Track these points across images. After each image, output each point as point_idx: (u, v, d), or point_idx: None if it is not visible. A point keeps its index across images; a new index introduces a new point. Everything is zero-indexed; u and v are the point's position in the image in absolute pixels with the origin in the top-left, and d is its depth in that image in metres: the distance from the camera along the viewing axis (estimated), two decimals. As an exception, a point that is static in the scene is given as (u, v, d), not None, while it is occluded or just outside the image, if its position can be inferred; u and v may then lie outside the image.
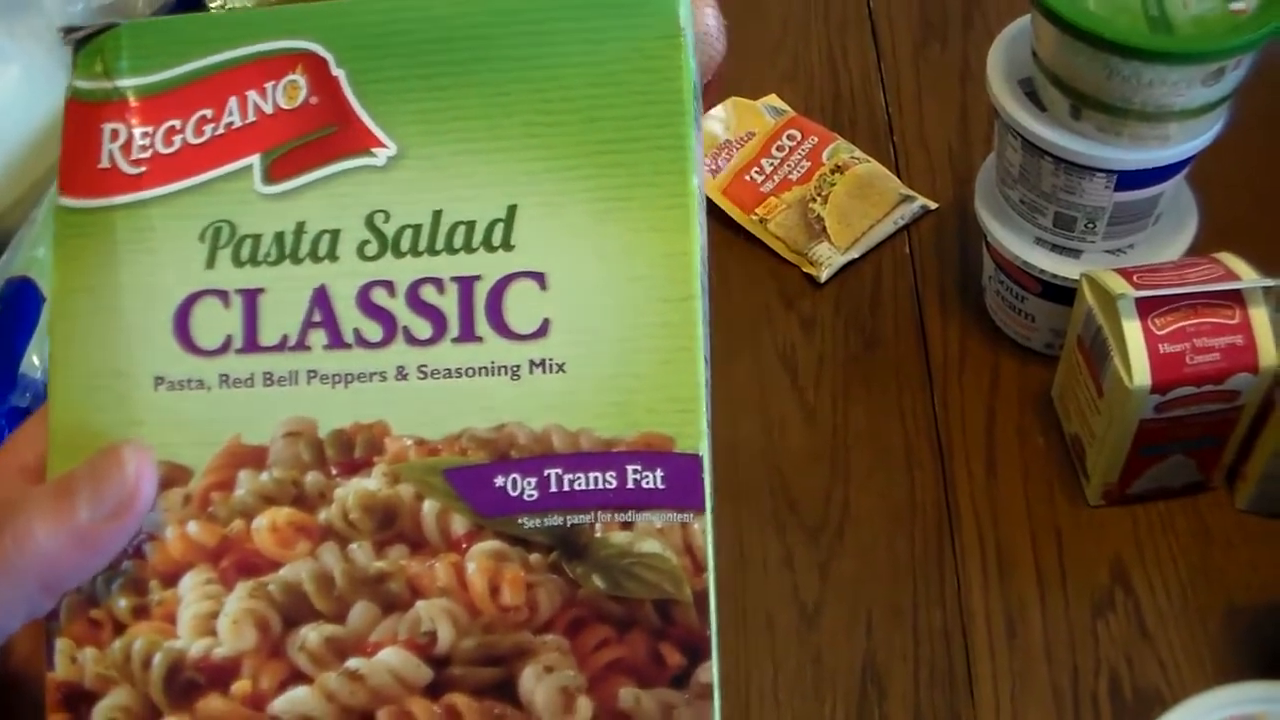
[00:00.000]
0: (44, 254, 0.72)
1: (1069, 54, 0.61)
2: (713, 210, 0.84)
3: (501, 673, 0.35)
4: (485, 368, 0.37)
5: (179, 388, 0.38)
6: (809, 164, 0.86)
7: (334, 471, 0.37)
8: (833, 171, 0.85)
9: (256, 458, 0.37)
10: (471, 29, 0.39)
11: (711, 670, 0.35)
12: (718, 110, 0.88)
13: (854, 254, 0.81)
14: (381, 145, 0.39)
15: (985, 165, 0.74)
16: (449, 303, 0.38)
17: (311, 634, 0.36)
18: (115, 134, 0.39)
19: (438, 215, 0.38)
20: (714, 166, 0.85)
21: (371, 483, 0.37)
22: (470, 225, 0.38)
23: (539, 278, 0.37)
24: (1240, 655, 0.63)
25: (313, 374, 0.38)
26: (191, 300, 0.38)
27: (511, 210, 0.38)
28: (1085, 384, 0.66)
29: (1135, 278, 0.62)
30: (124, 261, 0.39)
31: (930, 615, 0.66)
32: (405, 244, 0.38)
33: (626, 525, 0.36)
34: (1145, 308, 0.61)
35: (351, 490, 0.37)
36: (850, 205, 0.83)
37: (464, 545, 0.36)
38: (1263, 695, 0.52)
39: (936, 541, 0.69)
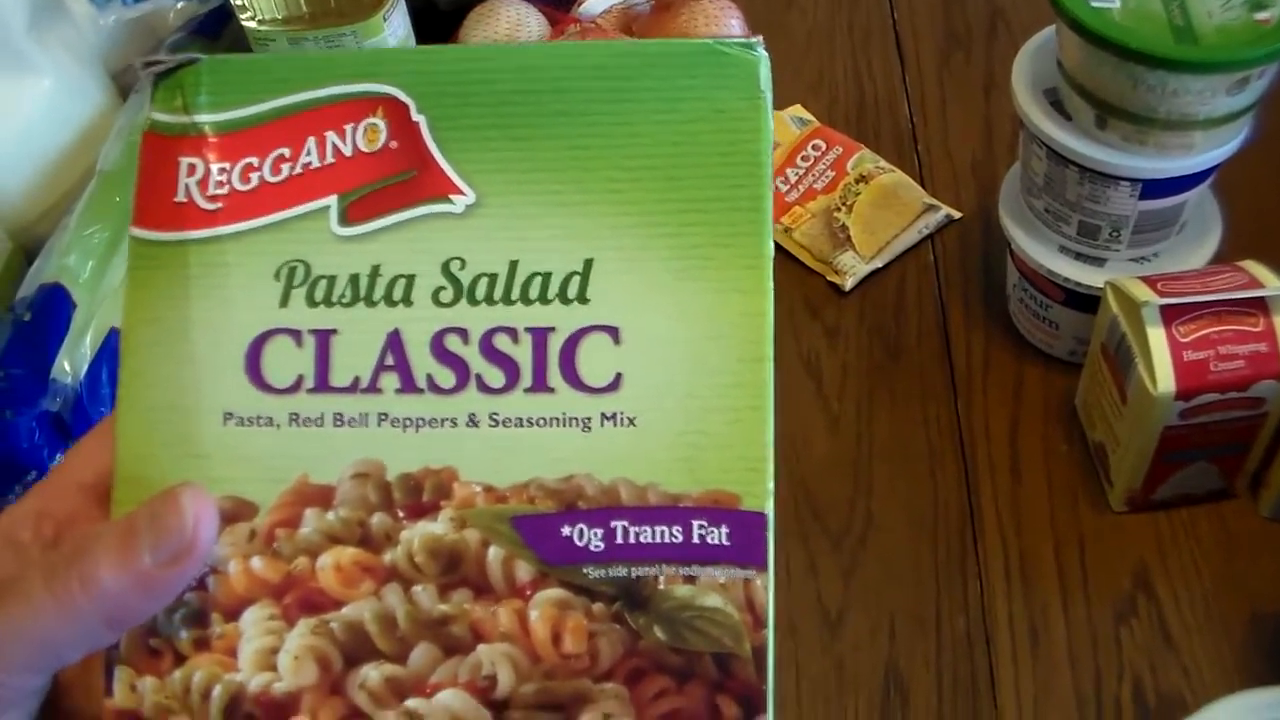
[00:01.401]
0: (74, 261, 0.73)
1: (1094, 64, 0.61)
2: (737, 219, 0.85)
3: (561, 718, 0.35)
4: (556, 418, 0.37)
5: (248, 424, 0.38)
6: (834, 174, 0.86)
7: (400, 514, 0.37)
8: (857, 181, 0.85)
9: (323, 497, 0.37)
10: (553, 82, 0.39)
11: None
12: (742, 120, 0.89)
13: (878, 263, 0.82)
14: (460, 192, 0.39)
15: (1010, 174, 0.75)
16: (523, 353, 0.38)
17: (373, 673, 0.36)
18: (192, 169, 0.39)
19: (514, 265, 0.38)
20: (738, 176, 0.86)
21: (438, 527, 0.37)
22: (546, 276, 0.38)
23: (613, 332, 0.37)
24: (1264, 662, 0.63)
25: (383, 417, 0.38)
26: (264, 338, 0.39)
27: (588, 264, 0.38)
28: (1109, 391, 0.66)
29: (1159, 285, 0.62)
30: (196, 296, 0.39)
31: (953, 622, 0.66)
32: (480, 292, 0.38)
33: (690, 579, 0.36)
34: (1169, 315, 0.61)
35: (418, 533, 0.37)
36: (875, 214, 0.83)
37: (528, 592, 0.36)
38: (1287, 701, 0.53)
39: (960, 548, 0.69)
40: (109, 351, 0.72)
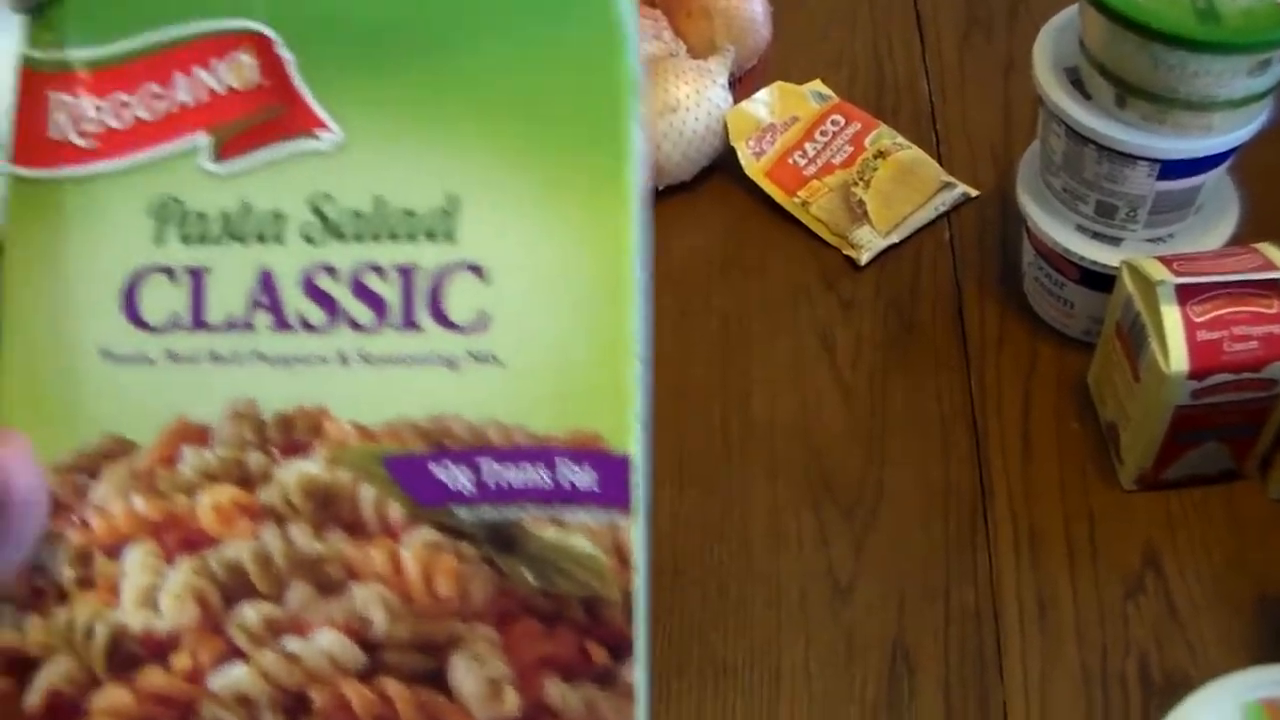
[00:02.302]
0: None
1: (1116, 43, 0.62)
2: (756, 192, 0.85)
3: (433, 661, 0.36)
4: (425, 357, 0.38)
5: (126, 362, 0.39)
6: (852, 149, 0.87)
7: (276, 453, 0.38)
8: (875, 157, 0.86)
9: (201, 435, 0.38)
10: (416, 16, 0.39)
11: (635, 669, 0.36)
12: (762, 94, 0.89)
13: (894, 238, 0.82)
14: (326, 129, 0.39)
15: (1028, 153, 0.75)
16: (391, 290, 0.38)
17: (250, 612, 0.37)
18: (65, 105, 0.40)
19: (380, 201, 0.39)
20: (758, 149, 0.86)
21: (312, 466, 0.37)
22: (413, 214, 0.38)
23: (479, 270, 0.38)
24: (1270, 642, 0.64)
25: (258, 355, 0.38)
26: (140, 275, 0.39)
27: (454, 200, 0.38)
28: (1122, 370, 0.67)
29: (1175, 265, 0.63)
30: (74, 234, 0.39)
31: (962, 594, 0.67)
32: (349, 229, 0.39)
33: (557, 522, 0.36)
34: (1184, 295, 0.62)
35: (293, 472, 0.37)
36: (892, 190, 0.84)
37: (400, 533, 0.37)
38: (1291, 678, 0.53)
39: (970, 522, 0.70)
40: None
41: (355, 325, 0.38)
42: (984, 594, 0.67)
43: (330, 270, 0.38)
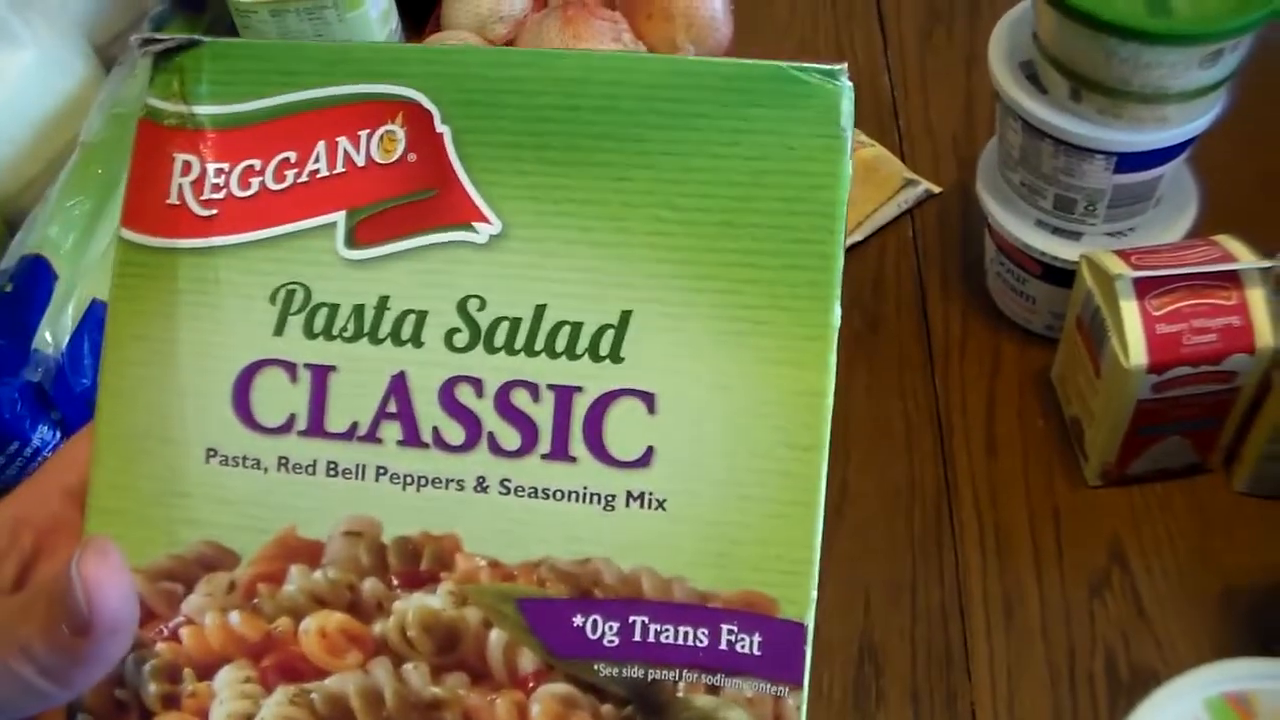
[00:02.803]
0: (56, 233, 0.73)
1: (1068, 36, 0.61)
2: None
3: None
4: (576, 492, 0.34)
5: (233, 464, 0.35)
6: (814, 148, 0.86)
7: (395, 582, 0.34)
8: (838, 155, 0.85)
9: (311, 553, 0.34)
10: (599, 98, 0.34)
11: None
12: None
13: (858, 236, 0.82)
14: (485, 220, 0.34)
15: (987, 148, 0.75)
16: (543, 413, 0.34)
17: None
18: (188, 167, 0.36)
19: (540, 310, 0.34)
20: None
21: (435, 601, 0.34)
22: (576, 327, 0.34)
23: (648, 398, 0.33)
24: (1237, 636, 0.64)
25: (382, 471, 0.34)
26: (255, 368, 0.35)
27: (625, 316, 0.34)
28: (1084, 365, 0.66)
29: (1133, 259, 0.62)
30: (185, 314, 0.36)
31: (928, 594, 0.67)
32: (500, 339, 0.34)
33: (713, 689, 0.32)
34: (1143, 288, 0.61)
35: (413, 606, 0.34)
36: (855, 189, 0.83)
37: (530, 684, 0.33)
38: (1255, 672, 0.53)
39: (935, 521, 0.69)
40: (91, 322, 0.72)
41: (498, 449, 0.34)
42: (950, 593, 0.66)
43: (475, 383, 0.34)
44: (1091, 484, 0.69)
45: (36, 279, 0.71)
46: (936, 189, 0.85)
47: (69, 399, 0.69)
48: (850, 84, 0.34)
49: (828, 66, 0.34)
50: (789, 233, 0.33)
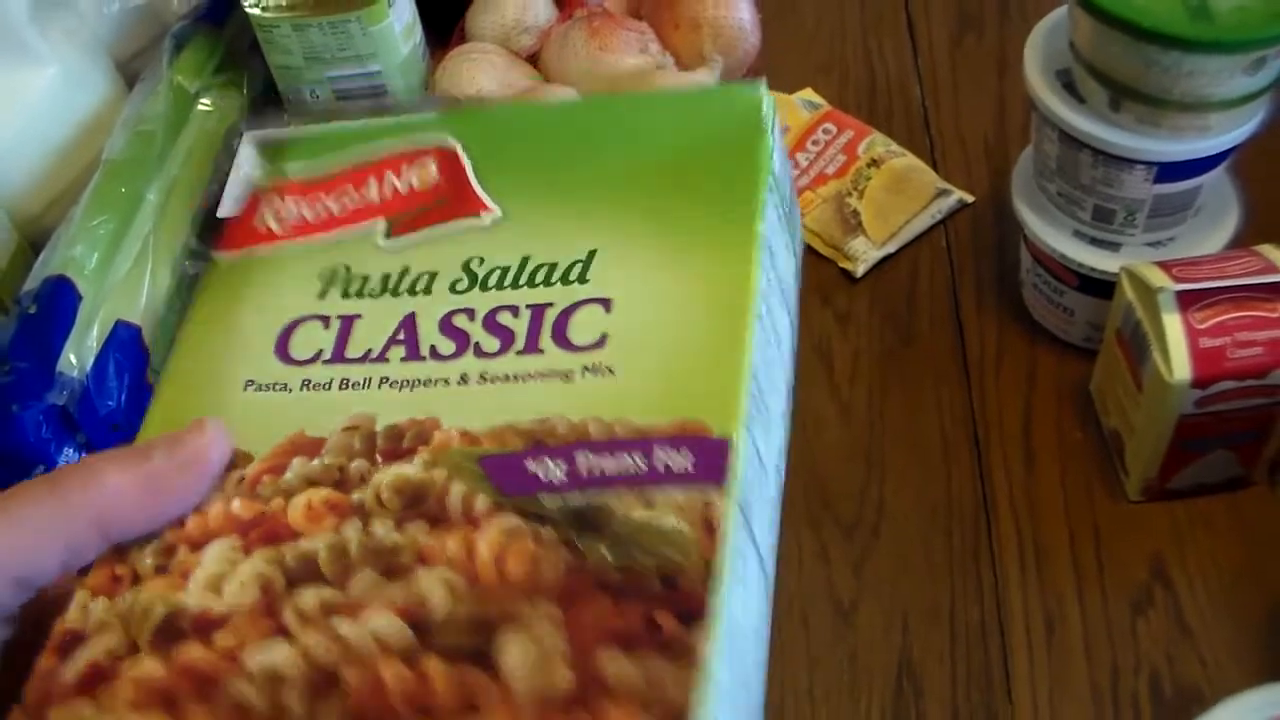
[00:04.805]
0: (80, 252, 0.73)
1: (1107, 44, 0.60)
2: (747, 205, 0.84)
3: (482, 640, 0.34)
4: (541, 373, 0.39)
5: (265, 389, 0.41)
6: (845, 158, 0.85)
7: (379, 459, 0.38)
8: (869, 165, 0.84)
9: (313, 447, 0.39)
10: (579, 128, 0.46)
11: (706, 638, 0.33)
12: (752, 104, 0.88)
13: (890, 248, 0.81)
14: (488, 210, 0.44)
15: (1023, 158, 0.74)
16: (520, 324, 0.40)
17: (308, 595, 0.36)
18: (272, 204, 0.46)
19: (525, 260, 0.42)
20: (749, 161, 0.85)
21: (409, 468, 0.38)
22: (553, 266, 0.42)
23: (606, 303, 0.40)
24: (1284, 654, 0.62)
25: (384, 380, 0.40)
26: (297, 323, 0.43)
27: (591, 253, 0.42)
28: (1124, 378, 0.65)
29: (1175, 271, 0.61)
30: (252, 294, 0.44)
31: (967, 613, 0.65)
32: (492, 281, 0.42)
33: (647, 502, 0.35)
34: (1185, 301, 0.60)
35: (389, 474, 0.38)
36: (886, 199, 0.82)
37: (481, 521, 0.36)
38: (1307, 694, 0.52)
39: (973, 538, 0.68)
40: (115, 344, 0.71)
41: (480, 352, 0.40)
42: (990, 612, 0.65)
43: (469, 312, 0.41)
44: (1133, 499, 0.68)
45: (60, 300, 0.71)
46: (970, 198, 0.83)
47: (93, 422, 0.69)
48: (768, 92, 0.45)
49: (750, 82, 0.45)
50: (723, 177, 0.43)
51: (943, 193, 0.83)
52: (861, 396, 0.75)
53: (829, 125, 0.87)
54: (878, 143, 0.86)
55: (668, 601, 0.34)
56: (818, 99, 0.90)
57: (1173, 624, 0.64)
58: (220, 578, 0.37)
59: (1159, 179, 0.64)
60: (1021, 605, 0.65)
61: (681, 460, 0.36)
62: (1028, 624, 0.65)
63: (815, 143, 0.86)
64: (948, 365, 0.75)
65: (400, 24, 0.88)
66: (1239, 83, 0.59)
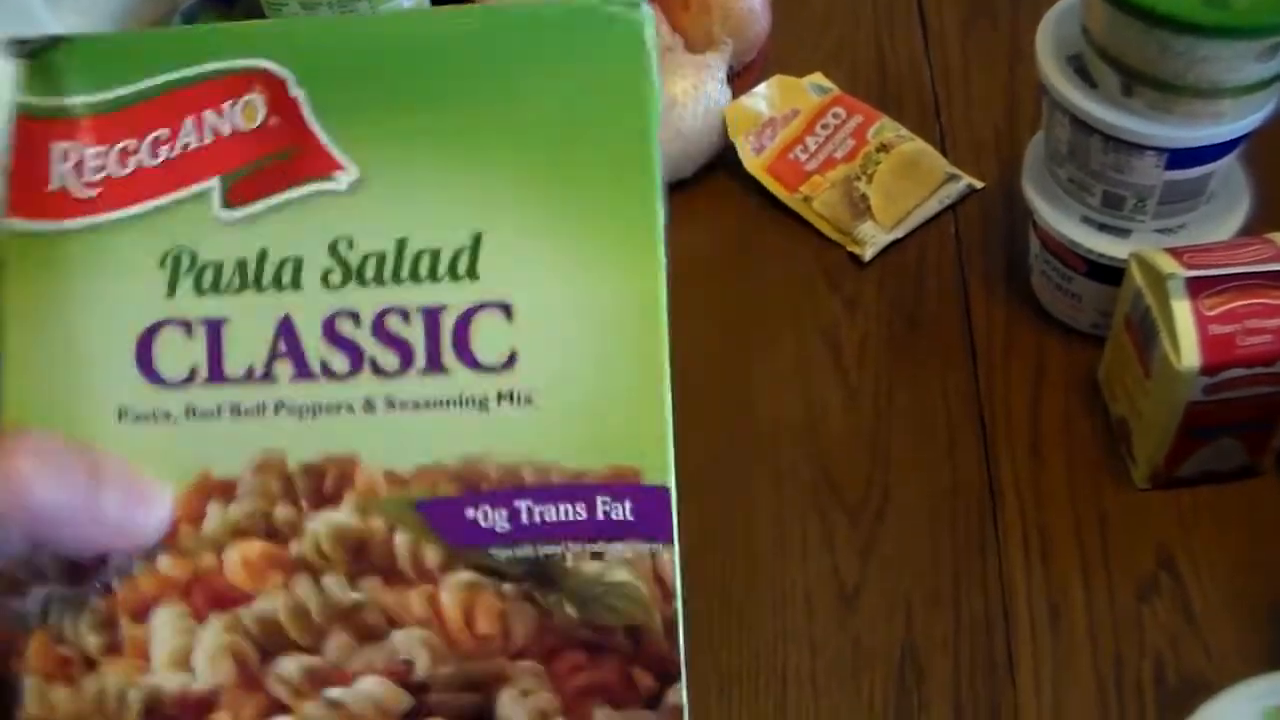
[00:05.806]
0: None
1: (1120, 29, 0.60)
2: (756, 188, 0.84)
3: (479, 698, 0.36)
4: (453, 400, 0.37)
5: (144, 420, 0.37)
6: (854, 142, 0.85)
7: (304, 504, 0.37)
8: (878, 150, 0.84)
9: (225, 490, 0.37)
10: (433, 52, 0.39)
11: (681, 692, 0.36)
12: (761, 88, 0.87)
13: (899, 233, 0.80)
14: (341, 169, 0.38)
15: (1033, 143, 0.73)
16: (415, 334, 0.37)
17: (290, 664, 0.36)
18: (66, 154, 0.38)
19: (402, 243, 0.38)
20: (758, 145, 0.85)
21: (343, 516, 0.37)
22: (435, 253, 0.38)
23: (505, 309, 0.37)
24: (1289, 644, 0.62)
25: (280, 405, 0.37)
26: (153, 330, 0.38)
27: (477, 238, 0.38)
28: (1132, 366, 0.65)
29: (1185, 257, 0.61)
30: (78, 290, 0.38)
31: (971, 600, 0.65)
32: (370, 272, 0.38)
33: (597, 555, 0.36)
34: (1195, 288, 0.60)
35: (323, 523, 0.37)
36: (895, 184, 0.82)
37: (437, 576, 0.36)
38: (1312, 684, 0.52)
39: (979, 525, 0.68)
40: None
41: (379, 370, 0.37)
42: (994, 599, 0.65)
43: (352, 315, 0.38)
44: (1139, 486, 0.68)
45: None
46: (979, 184, 0.83)
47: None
48: (651, 10, 0.39)
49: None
50: (610, 149, 0.38)
51: (952, 178, 0.83)
52: (869, 381, 0.74)
53: (838, 110, 0.87)
54: (887, 128, 0.85)
55: (638, 659, 0.36)
56: (827, 83, 0.89)
57: (1178, 612, 0.63)
58: (184, 652, 0.36)
59: (1170, 165, 0.64)
60: (1026, 592, 0.65)
61: (622, 510, 0.36)
62: (1032, 611, 0.64)
63: (825, 127, 0.86)
64: (955, 351, 0.75)
65: (410, 5, 0.87)
66: (1252, 69, 0.59)
